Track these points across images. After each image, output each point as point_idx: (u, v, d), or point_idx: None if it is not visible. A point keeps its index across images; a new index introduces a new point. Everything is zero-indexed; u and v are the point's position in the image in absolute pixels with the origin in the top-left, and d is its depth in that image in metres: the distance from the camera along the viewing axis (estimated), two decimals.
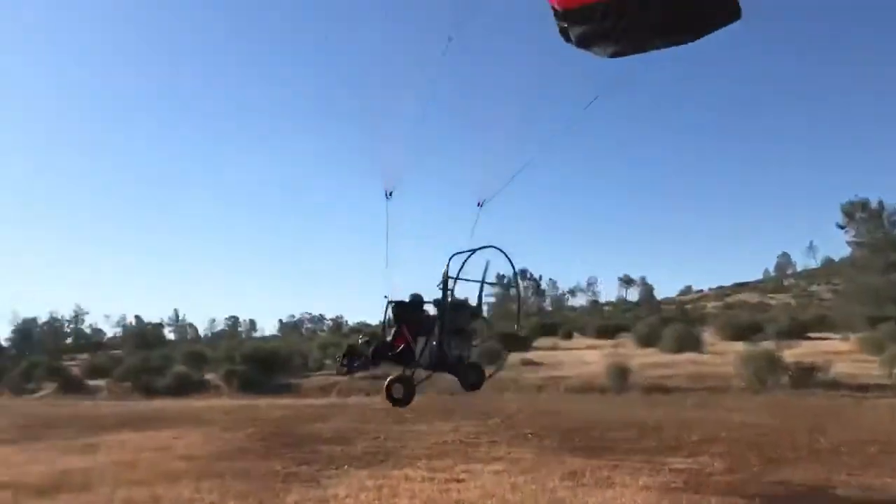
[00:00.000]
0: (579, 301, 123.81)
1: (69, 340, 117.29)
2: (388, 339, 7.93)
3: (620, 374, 24.14)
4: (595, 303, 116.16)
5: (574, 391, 24.31)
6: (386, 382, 8.11)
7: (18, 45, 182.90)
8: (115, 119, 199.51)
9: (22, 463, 12.38)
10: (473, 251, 7.35)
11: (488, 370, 8.88)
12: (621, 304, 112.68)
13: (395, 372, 8.06)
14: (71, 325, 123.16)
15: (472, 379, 8.24)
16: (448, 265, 7.47)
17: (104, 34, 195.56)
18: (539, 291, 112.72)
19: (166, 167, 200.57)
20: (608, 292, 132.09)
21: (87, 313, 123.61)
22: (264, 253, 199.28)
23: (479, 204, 7.64)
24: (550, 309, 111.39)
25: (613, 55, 6.15)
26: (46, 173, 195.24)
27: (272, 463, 11.77)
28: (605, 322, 57.39)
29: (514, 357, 27.12)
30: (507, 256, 7.56)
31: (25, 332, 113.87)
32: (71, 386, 36.47)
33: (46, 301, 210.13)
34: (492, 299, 77.54)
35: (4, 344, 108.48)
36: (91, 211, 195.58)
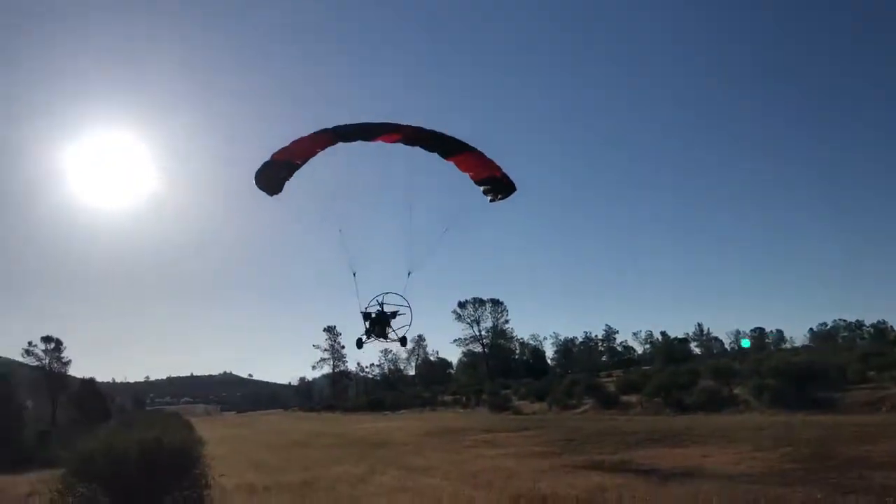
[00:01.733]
0: None
1: (603, 358, 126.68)
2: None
3: None
4: None
5: None
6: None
7: None
8: None
9: (565, 475, 13.41)
10: (386, 293, 13.45)
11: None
12: None
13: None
14: (604, 344, 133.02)
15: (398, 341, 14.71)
16: (383, 295, 13.28)
17: None
18: None
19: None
20: None
21: (617, 332, 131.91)
22: (788, 259, 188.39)
23: (408, 272, 13.17)
24: None
25: (491, 202, 13.10)
26: None
27: (811, 489, 10.53)
28: None
29: None
30: (400, 295, 13.23)
31: (566, 351, 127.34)
32: (607, 401, 38.84)
33: (583, 322, 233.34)
34: None
35: (550, 363, 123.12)
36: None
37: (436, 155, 10.78)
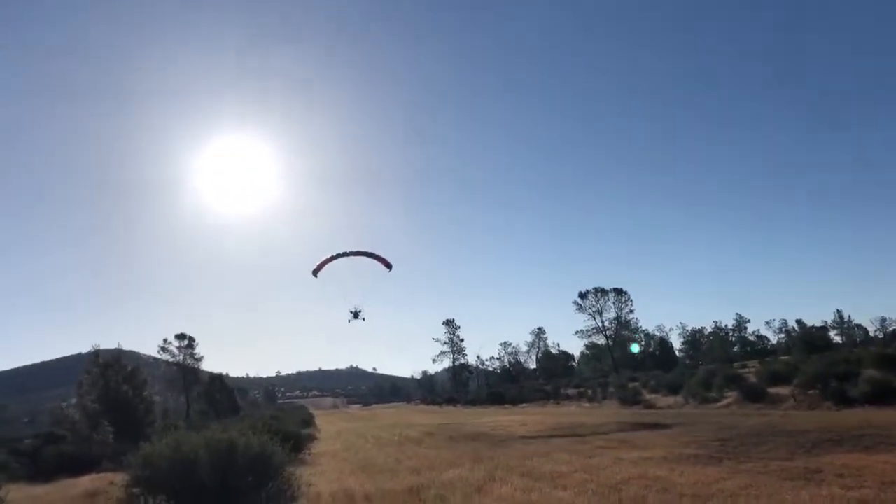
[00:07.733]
0: None
1: (735, 348, 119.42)
2: None
3: None
4: None
5: None
6: None
7: None
8: None
9: (741, 492, 10.19)
10: (357, 304, 27.40)
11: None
12: None
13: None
14: (734, 334, 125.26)
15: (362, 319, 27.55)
16: (354, 305, 26.98)
17: None
18: None
19: None
20: None
21: (748, 321, 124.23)
22: None
23: (363, 309, 28.38)
24: None
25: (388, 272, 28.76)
26: None
27: None
28: None
29: None
30: (360, 305, 27.37)
31: (694, 342, 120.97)
32: (751, 394, 34.99)
33: (709, 313, 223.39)
34: None
35: (678, 354, 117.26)
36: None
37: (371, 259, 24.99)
